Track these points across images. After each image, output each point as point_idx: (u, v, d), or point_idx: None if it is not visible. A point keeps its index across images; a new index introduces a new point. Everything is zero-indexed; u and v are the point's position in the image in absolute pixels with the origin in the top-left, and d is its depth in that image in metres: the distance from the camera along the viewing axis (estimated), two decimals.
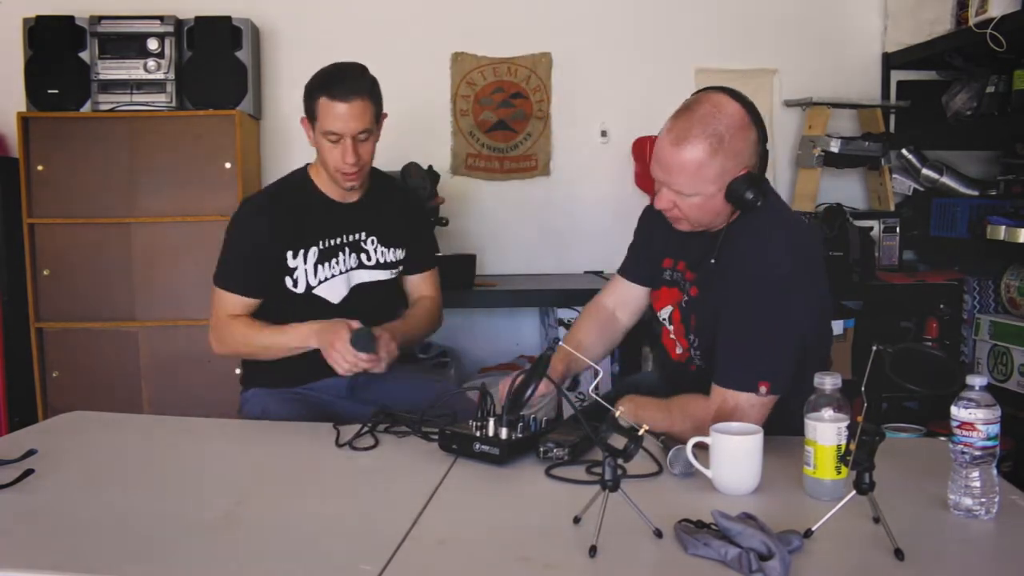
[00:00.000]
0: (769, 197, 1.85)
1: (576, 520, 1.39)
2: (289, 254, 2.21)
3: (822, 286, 1.88)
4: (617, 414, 1.43)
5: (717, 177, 1.78)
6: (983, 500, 1.38)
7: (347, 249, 2.27)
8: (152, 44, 3.30)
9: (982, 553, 1.34)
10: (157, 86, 3.32)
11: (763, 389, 1.73)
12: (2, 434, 2.80)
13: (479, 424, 1.75)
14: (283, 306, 2.23)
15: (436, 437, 1.78)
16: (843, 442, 1.46)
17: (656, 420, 1.79)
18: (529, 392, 1.81)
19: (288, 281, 2.22)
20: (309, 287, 2.23)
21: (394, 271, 2.37)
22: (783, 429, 1.70)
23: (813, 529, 1.31)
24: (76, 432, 1.97)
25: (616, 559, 1.27)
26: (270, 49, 3.68)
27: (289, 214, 2.22)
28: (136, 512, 1.47)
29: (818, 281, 1.86)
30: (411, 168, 3.17)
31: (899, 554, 1.24)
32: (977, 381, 1.38)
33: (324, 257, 2.24)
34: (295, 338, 2.18)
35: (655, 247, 2.06)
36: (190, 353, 3.35)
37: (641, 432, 1.37)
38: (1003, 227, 3.04)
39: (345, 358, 2.07)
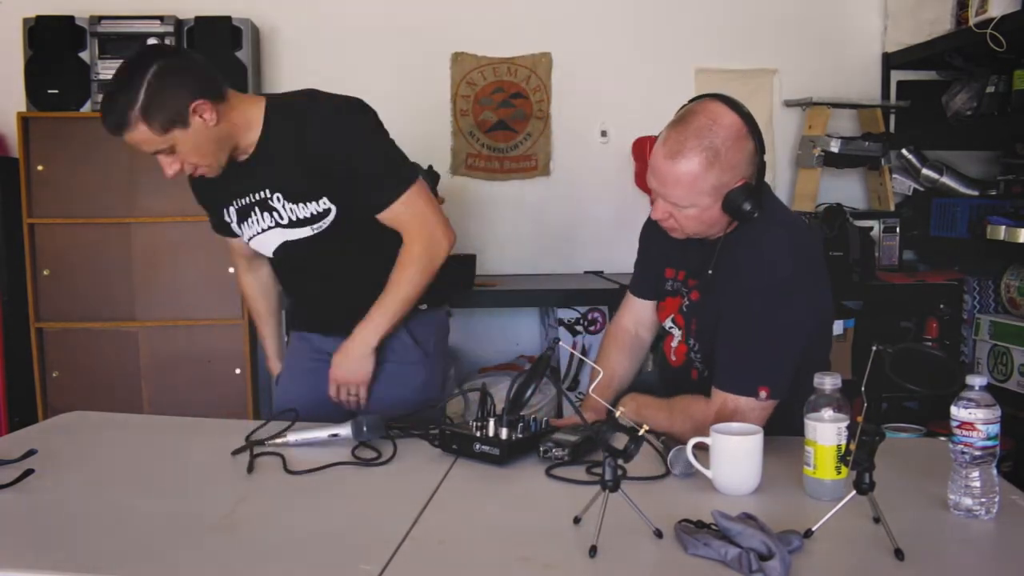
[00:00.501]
0: (767, 202, 1.84)
1: (576, 520, 1.39)
2: (222, 210, 2.17)
3: (823, 288, 1.88)
4: (618, 414, 1.43)
5: (713, 189, 1.77)
6: (983, 500, 1.38)
7: (258, 209, 2.10)
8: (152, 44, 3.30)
9: (982, 553, 1.34)
10: None
11: (763, 394, 1.73)
12: (2, 434, 2.80)
13: (479, 424, 1.75)
14: None
15: (436, 437, 1.78)
16: (843, 442, 1.47)
17: (657, 420, 1.80)
18: (529, 392, 1.81)
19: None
20: (249, 239, 2.18)
21: (318, 226, 2.06)
22: (783, 429, 1.70)
23: (813, 529, 1.31)
24: (76, 432, 1.96)
25: (616, 559, 1.27)
26: (270, 49, 3.68)
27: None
28: (136, 512, 1.47)
29: (819, 283, 1.86)
30: None
31: (899, 554, 1.24)
32: (977, 381, 1.38)
33: (241, 216, 2.14)
34: (269, 347, 2.39)
35: (657, 259, 2.07)
36: (190, 353, 3.36)
37: (641, 432, 1.37)
38: (1003, 227, 3.04)
39: (348, 400, 2.11)
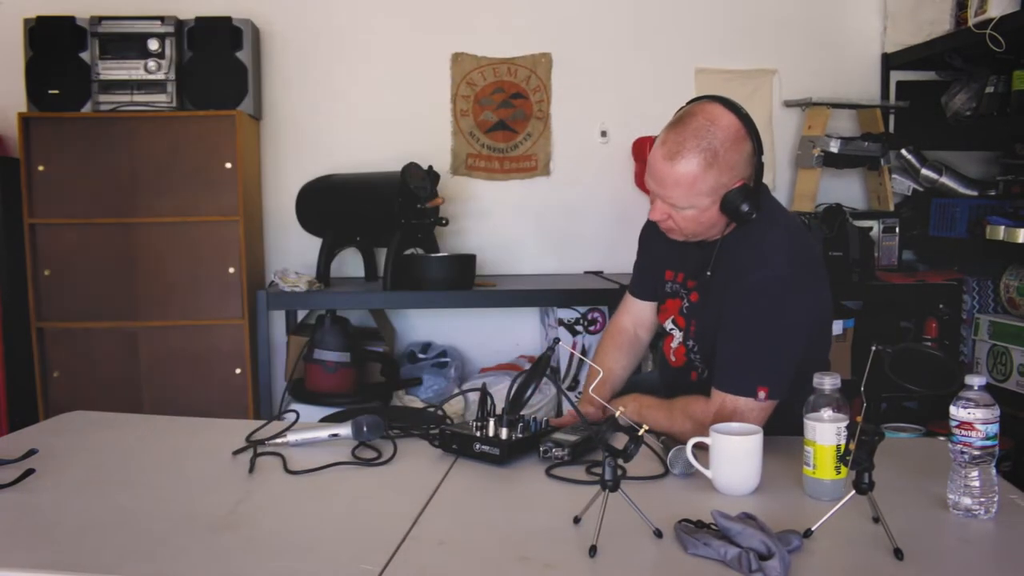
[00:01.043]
0: (766, 203, 1.85)
1: (576, 520, 1.39)
2: None
3: (822, 289, 1.88)
4: (618, 414, 1.43)
5: (711, 191, 1.78)
6: (982, 500, 1.39)
7: None
8: (153, 44, 3.30)
9: (982, 553, 1.34)
10: (158, 86, 3.32)
11: (762, 394, 1.73)
12: (2, 434, 2.80)
13: (479, 424, 1.76)
14: None
15: (436, 437, 1.78)
16: (842, 442, 1.47)
17: (657, 420, 1.81)
18: (529, 392, 1.81)
19: None
20: None
21: None
22: (783, 429, 1.70)
23: (813, 529, 1.32)
24: (76, 432, 1.97)
25: (616, 559, 1.28)
26: (270, 49, 3.68)
27: None
28: (136, 512, 1.47)
29: (818, 284, 1.86)
30: (411, 168, 3.18)
31: (898, 554, 1.25)
32: (976, 381, 1.38)
33: None
34: None
35: (656, 261, 2.07)
36: (190, 353, 3.35)
37: (641, 432, 1.37)
38: (1002, 227, 3.04)
39: None
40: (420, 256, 3.27)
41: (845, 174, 3.81)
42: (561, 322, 3.39)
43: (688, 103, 1.85)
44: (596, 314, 3.39)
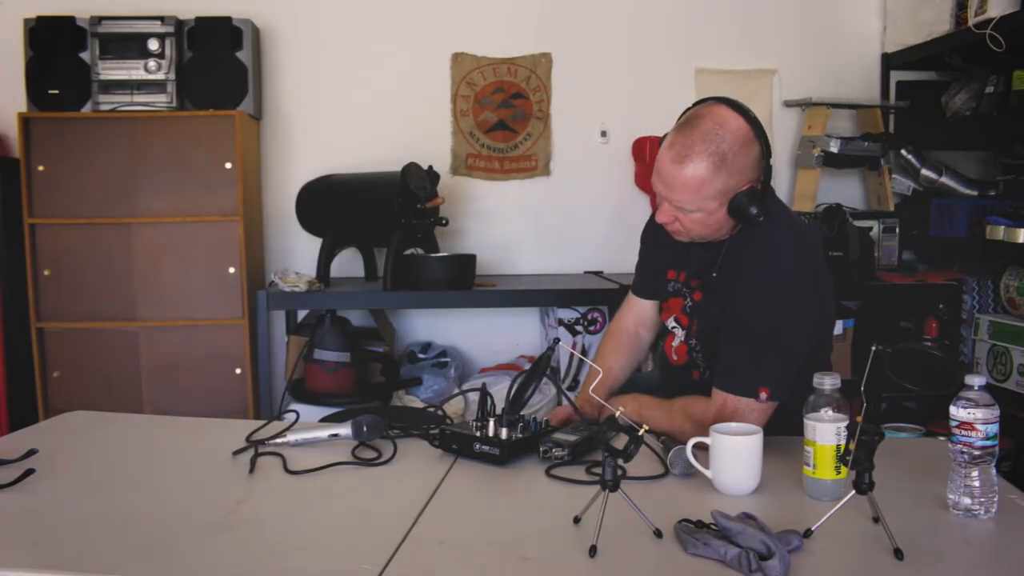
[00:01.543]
0: (771, 205, 1.84)
1: (576, 520, 1.39)
2: None
3: (825, 290, 1.88)
4: (618, 414, 1.43)
5: (719, 194, 1.77)
6: (982, 500, 1.39)
7: None
8: (153, 44, 3.30)
9: (982, 553, 1.34)
10: (158, 86, 3.32)
11: (763, 395, 1.73)
12: (2, 434, 2.80)
13: (479, 424, 1.76)
14: None
15: (436, 437, 1.78)
16: (842, 442, 1.47)
17: (658, 420, 1.80)
18: (529, 392, 1.81)
19: None
20: None
21: None
22: (783, 429, 1.70)
23: (813, 529, 1.32)
24: (76, 432, 1.97)
25: (616, 559, 1.28)
26: (270, 49, 3.68)
27: None
28: (136, 512, 1.47)
29: (821, 285, 1.86)
30: (411, 168, 3.18)
31: (898, 554, 1.25)
32: (976, 381, 1.38)
33: None
34: None
35: (659, 261, 2.07)
36: (190, 353, 3.36)
37: (641, 432, 1.37)
38: (1002, 227, 3.04)
39: None
40: (420, 256, 3.27)
41: (845, 174, 3.81)
42: (561, 322, 3.39)
43: (695, 104, 1.84)
44: (596, 314, 3.39)
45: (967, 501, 1.39)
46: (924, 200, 3.67)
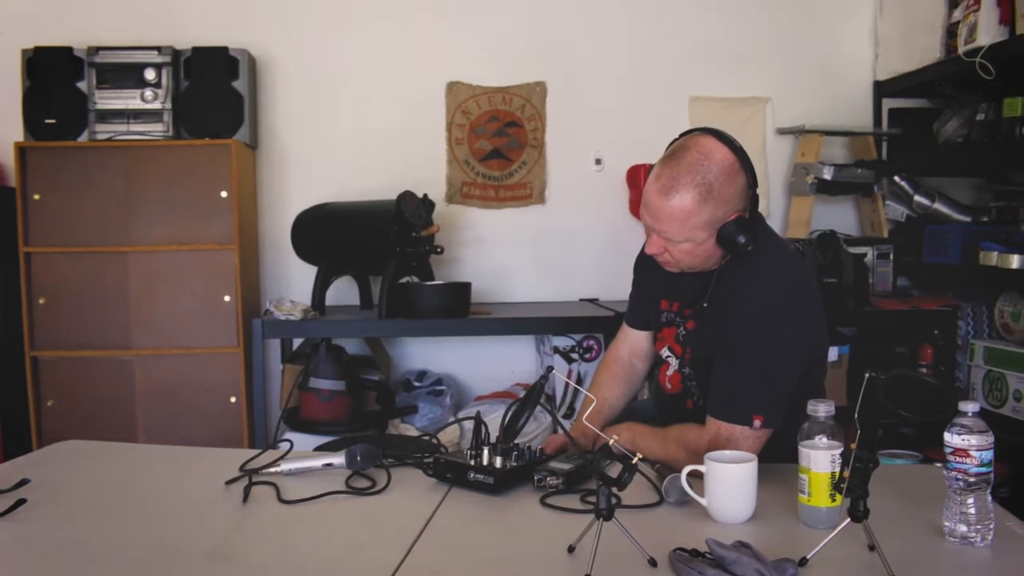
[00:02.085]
0: (761, 232, 1.85)
1: (571, 549, 1.39)
2: None
3: (818, 317, 1.88)
4: (611, 442, 1.43)
5: (707, 224, 1.78)
6: (978, 527, 1.38)
7: None
8: (149, 74, 3.32)
9: None
10: (154, 116, 3.34)
11: (757, 423, 1.73)
12: None
13: (473, 453, 1.75)
14: None
15: (431, 466, 1.78)
16: (837, 470, 1.46)
17: (652, 448, 1.80)
18: (523, 421, 1.81)
19: None
20: None
21: None
22: (777, 457, 1.70)
23: (808, 557, 1.31)
24: (70, 461, 1.96)
25: None
26: (266, 79, 3.70)
27: None
28: (129, 542, 1.46)
29: (813, 312, 1.86)
30: (406, 196, 3.19)
31: None
32: (969, 407, 1.38)
33: None
34: None
35: (651, 291, 2.08)
36: (186, 382, 3.35)
37: (635, 460, 1.37)
38: (995, 253, 3.05)
39: None
40: (415, 284, 3.27)
41: (839, 201, 3.83)
42: (556, 350, 3.38)
43: (681, 136, 1.86)
44: (591, 342, 3.39)
45: (963, 528, 1.39)
46: (918, 226, 3.68)
